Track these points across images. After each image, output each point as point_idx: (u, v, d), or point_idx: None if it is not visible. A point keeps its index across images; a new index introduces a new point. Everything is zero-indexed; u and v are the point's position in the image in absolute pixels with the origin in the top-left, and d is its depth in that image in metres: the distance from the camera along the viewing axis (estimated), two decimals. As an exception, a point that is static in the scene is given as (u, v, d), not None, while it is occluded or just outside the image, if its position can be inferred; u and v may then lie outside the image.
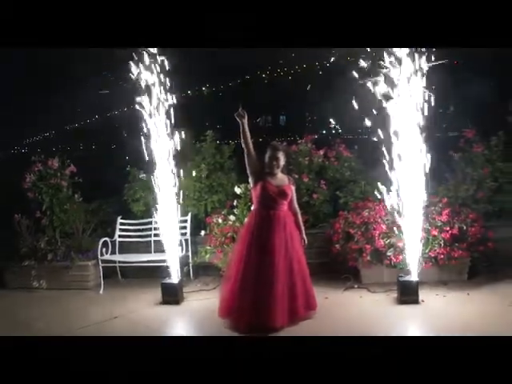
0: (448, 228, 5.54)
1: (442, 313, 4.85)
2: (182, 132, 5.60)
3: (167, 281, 5.63)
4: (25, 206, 7.00)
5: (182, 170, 5.74)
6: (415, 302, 5.05)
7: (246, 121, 4.69)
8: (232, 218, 6.14)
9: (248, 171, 4.77)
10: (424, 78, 4.88)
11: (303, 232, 4.92)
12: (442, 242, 5.50)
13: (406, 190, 5.08)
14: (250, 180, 4.80)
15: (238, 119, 4.69)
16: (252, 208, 5.07)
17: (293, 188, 4.84)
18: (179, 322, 5.29)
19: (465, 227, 5.61)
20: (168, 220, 5.70)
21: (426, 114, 4.90)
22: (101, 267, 6.33)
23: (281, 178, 4.77)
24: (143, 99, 5.46)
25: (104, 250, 6.38)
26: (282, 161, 4.72)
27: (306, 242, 4.91)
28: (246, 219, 5.96)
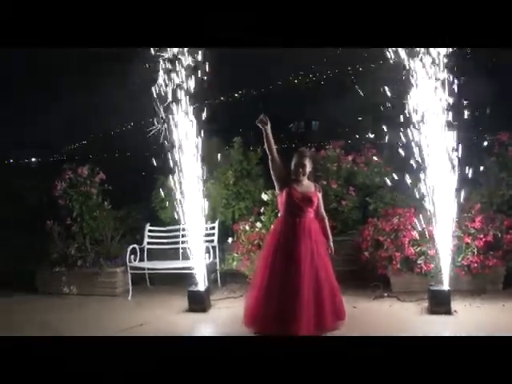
0: (482, 235, 5.36)
1: (474, 324, 4.67)
2: (210, 139, 5.58)
3: (194, 288, 5.61)
4: (56, 213, 7.11)
5: (209, 177, 5.72)
6: (447, 312, 4.88)
7: (268, 127, 4.62)
8: (259, 225, 6.09)
9: (273, 177, 4.71)
10: (455, 81, 4.75)
11: (330, 240, 4.82)
12: (475, 250, 5.32)
13: (438, 196, 4.93)
14: (276, 186, 4.73)
15: (260, 126, 4.63)
16: (279, 215, 5.00)
17: (319, 195, 4.74)
18: (205, 330, 5.25)
19: (499, 234, 5.42)
20: (195, 227, 5.69)
21: (456, 116, 4.77)
22: (129, 274, 6.36)
23: (307, 184, 4.68)
24: (172, 106, 5.46)
25: (132, 256, 6.43)
26: (309, 167, 4.63)
27: (333, 249, 4.80)
28: (272, 226, 5.92)
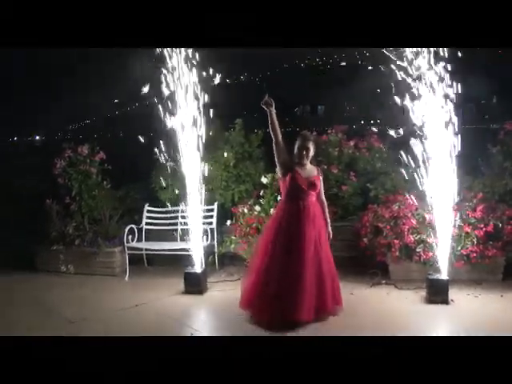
0: (482, 225, 5.29)
1: (472, 314, 4.64)
2: (211, 120, 5.51)
3: (190, 270, 5.58)
4: (55, 192, 7.08)
5: (209, 159, 5.66)
6: (445, 301, 4.84)
7: (273, 109, 4.56)
8: (258, 208, 6.04)
9: (276, 161, 4.65)
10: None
11: (329, 225, 4.78)
12: (475, 240, 5.26)
13: (438, 185, 4.86)
14: (278, 170, 4.67)
15: (265, 107, 4.56)
16: (279, 199, 4.95)
17: (321, 179, 4.71)
18: (200, 313, 5.24)
19: (500, 224, 5.35)
20: (193, 209, 5.65)
21: (457, 104, 4.68)
22: (127, 254, 6.35)
23: (310, 168, 4.64)
24: (173, 87, 5.38)
25: (130, 237, 6.40)
26: (312, 151, 4.60)
27: (331, 235, 4.77)
28: (272, 210, 5.87)
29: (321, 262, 4.50)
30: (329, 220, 4.80)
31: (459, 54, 4.67)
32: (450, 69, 4.70)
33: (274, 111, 4.56)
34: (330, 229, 4.77)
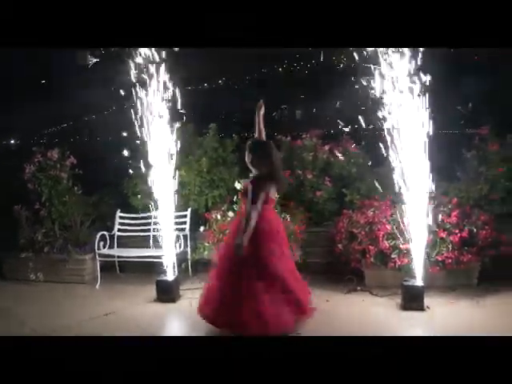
0: (457, 230, 5.25)
1: (447, 320, 4.59)
2: (184, 125, 5.41)
3: (162, 278, 5.45)
4: (25, 197, 6.88)
5: (183, 164, 5.55)
6: (420, 308, 4.79)
7: (262, 112, 4.53)
8: (231, 214, 5.93)
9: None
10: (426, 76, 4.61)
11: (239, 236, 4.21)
12: (450, 246, 5.21)
13: (412, 190, 4.81)
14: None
15: (256, 110, 4.53)
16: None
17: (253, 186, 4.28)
18: (172, 321, 5.14)
19: (475, 230, 5.31)
20: (165, 215, 5.52)
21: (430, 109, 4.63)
22: (98, 261, 6.18)
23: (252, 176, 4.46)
24: (144, 92, 5.26)
25: (102, 243, 6.25)
26: (247, 158, 4.39)
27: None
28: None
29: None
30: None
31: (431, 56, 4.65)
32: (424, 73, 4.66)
33: (261, 114, 4.57)
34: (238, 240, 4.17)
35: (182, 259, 6.20)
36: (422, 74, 4.58)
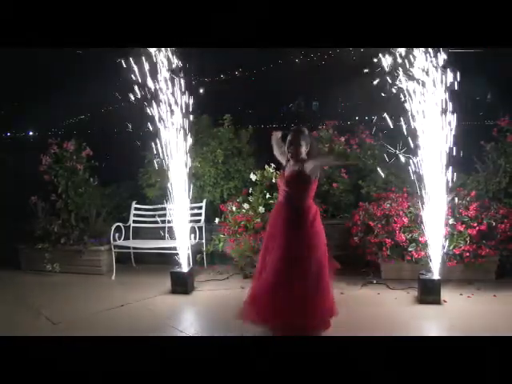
0: (475, 224, 5.17)
1: (464, 315, 4.52)
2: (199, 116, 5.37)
3: (177, 269, 5.45)
4: (41, 189, 6.92)
5: (198, 155, 5.51)
6: (436, 302, 4.73)
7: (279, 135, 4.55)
8: (246, 206, 5.89)
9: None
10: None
11: None
12: (468, 239, 5.13)
13: (431, 182, 4.73)
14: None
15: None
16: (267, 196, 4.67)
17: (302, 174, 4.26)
18: (186, 313, 5.11)
19: (494, 223, 5.22)
20: (180, 206, 5.51)
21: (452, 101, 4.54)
22: (113, 253, 6.21)
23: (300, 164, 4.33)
24: (161, 84, 5.23)
25: (117, 235, 6.28)
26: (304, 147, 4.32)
27: None
28: (260, 208, 5.76)
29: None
30: None
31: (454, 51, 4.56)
32: (446, 66, 4.57)
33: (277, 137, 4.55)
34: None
35: (196, 251, 6.21)
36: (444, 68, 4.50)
